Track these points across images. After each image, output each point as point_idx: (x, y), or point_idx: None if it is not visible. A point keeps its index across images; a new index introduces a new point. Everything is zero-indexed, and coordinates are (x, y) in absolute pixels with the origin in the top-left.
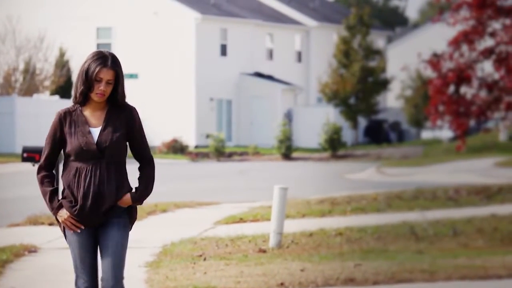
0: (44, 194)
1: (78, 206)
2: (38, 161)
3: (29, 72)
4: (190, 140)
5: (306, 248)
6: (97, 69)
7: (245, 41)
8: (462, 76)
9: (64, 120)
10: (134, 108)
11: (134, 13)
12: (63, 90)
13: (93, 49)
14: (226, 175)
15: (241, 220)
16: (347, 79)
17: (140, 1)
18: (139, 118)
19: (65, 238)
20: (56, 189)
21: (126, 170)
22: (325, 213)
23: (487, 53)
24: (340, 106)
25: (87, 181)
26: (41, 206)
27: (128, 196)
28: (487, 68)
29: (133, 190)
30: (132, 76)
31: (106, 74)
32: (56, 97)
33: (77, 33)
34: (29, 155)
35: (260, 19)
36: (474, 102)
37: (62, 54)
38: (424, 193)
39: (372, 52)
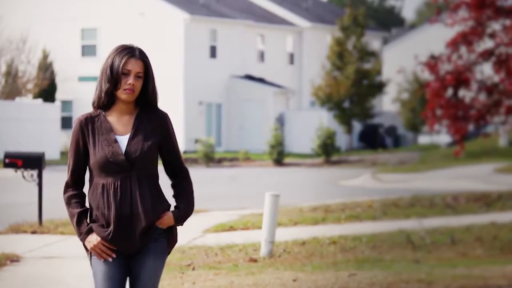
0: (71, 217)
1: (111, 230)
2: (21, 166)
3: (11, 74)
4: (179, 145)
5: (299, 257)
6: (124, 60)
7: (235, 43)
8: (460, 79)
9: (86, 127)
10: (167, 114)
11: (120, 14)
12: (46, 93)
13: (78, 51)
14: (215, 182)
15: (231, 228)
16: (341, 82)
17: (126, 1)
18: (172, 126)
19: (91, 266)
20: (86, 211)
21: (159, 184)
22: (318, 221)
23: (487, 55)
24: (334, 110)
25: (117, 199)
26: (24, 214)
27: (170, 215)
28: (486, 70)
29: (172, 208)
30: None
31: (135, 65)
32: (39, 100)
33: (61, 34)
34: (11, 160)
35: (251, 20)
36: (473, 105)
37: (45, 56)
38: (421, 200)
39: (367, 54)
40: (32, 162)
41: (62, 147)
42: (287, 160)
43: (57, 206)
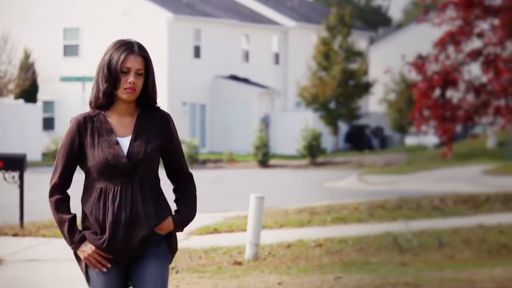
0: (60, 223)
1: (106, 237)
2: (2, 168)
3: None
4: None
5: (284, 260)
6: (122, 57)
7: (220, 42)
8: (448, 79)
9: (84, 127)
10: (169, 114)
11: (103, 13)
12: (28, 94)
13: (60, 50)
14: (199, 183)
15: (216, 230)
16: (327, 82)
17: (109, 1)
18: (175, 127)
19: (87, 280)
20: (75, 217)
21: (161, 188)
22: (304, 223)
23: (475, 55)
24: (320, 110)
25: (116, 204)
26: (5, 216)
27: (169, 220)
28: (474, 70)
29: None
30: None
31: (135, 62)
32: (21, 101)
33: (42, 34)
34: None
35: (236, 19)
36: (461, 106)
37: (27, 56)
38: (408, 202)
39: (353, 54)
40: (14, 163)
41: (43, 149)
42: (272, 161)
43: (38, 208)
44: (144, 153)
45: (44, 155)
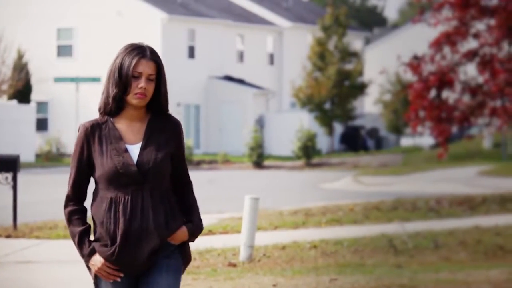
0: (72, 235)
1: (115, 249)
2: None
3: None
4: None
5: (279, 261)
6: (134, 61)
7: (214, 43)
8: (444, 79)
9: (92, 135)
10: (179, 122)
11: (97, 13)
12: (21, 95)
13: (54, 51)
14: (194, 185)
15: (210, 232)
16: (322, 83)
17: (102, 1)
18: (183, 135)
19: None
20: (88, 229)
21: (173, 198)
22: (299, 224)
23: (471, 55)
24: (315, 111)
25: (127, 215)
26: None
27: (183, 230)
28: (470, 71)
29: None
30: (95, 79)
31: (146, 67)
32: (14, 101)
33: (36, 34)
34: None
35: (230, 19)
36: (457, 107)
37: (20, 56)
38: (404, 203)
39: (348, 54)
40: (7, 164)
41: (37, 150)
42: (267, 162)
43: (32, 209)
44: (155, 161)
45: (38, 156)
